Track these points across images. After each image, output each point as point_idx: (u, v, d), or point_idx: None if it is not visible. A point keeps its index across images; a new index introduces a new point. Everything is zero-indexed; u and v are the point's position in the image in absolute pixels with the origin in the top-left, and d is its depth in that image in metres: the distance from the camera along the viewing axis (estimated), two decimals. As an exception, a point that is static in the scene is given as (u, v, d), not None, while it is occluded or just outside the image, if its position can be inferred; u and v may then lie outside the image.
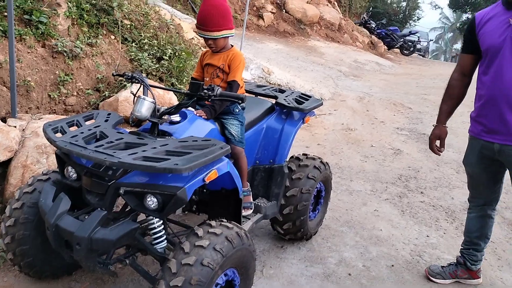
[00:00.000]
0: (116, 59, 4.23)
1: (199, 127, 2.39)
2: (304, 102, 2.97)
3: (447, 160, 5.03)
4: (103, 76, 3.96)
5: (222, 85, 2.53)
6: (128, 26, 4.55)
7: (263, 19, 12.26)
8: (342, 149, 5.03)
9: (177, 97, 4.16)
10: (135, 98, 2.35)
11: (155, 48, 4.50)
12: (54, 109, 3.66)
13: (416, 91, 8.97)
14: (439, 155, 2.77)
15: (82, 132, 2.12)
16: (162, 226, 2.18)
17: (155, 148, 1.95)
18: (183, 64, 4.54)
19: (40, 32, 3.62)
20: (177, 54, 4.57)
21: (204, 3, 2.41)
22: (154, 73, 4.34)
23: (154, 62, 4.39)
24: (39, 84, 3.56)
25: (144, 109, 2.17)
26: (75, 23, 3.99)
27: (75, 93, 3.79)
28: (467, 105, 7.99)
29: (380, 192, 4.04)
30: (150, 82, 2.88)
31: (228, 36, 2.50)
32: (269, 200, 2.82)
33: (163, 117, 2.25)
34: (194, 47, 5.37)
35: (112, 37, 4.37)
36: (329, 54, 11.21)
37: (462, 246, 2.83)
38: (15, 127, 3.05)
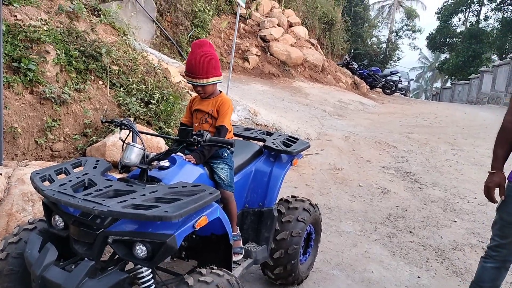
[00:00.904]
0: (104, 104, 4.26)
1: (188, 172, 2.39)
2: (292, 145, 3.01)
3: (434, 198, 5.07)
4: (90, 121, 3.98)
5: (211, 130, 2.56)
6: (116, 71, 4.61)
7: (248, 62, 12.53)
8: (330, 189, 5.05)
9: (165, 141, 4.17)
10: (124, 144, 2.36)
11: (143, 92, 4.55)
12: (41, 155, 3.63)
13: (399, 130, 9.14)
14: (497, 202, 2.58)
15: (70, 180, 2.10)
16: (151, 275, 2.13)
17: (144, 195, 1.94)
18: (171, 108, 4.59)
19: (28, 79, 3.65)
20: (164, 98, 4.62)
21: (192, 51, 2.47)
22: (142, 117, 4.37)
23: (142, 106, 4.43)
24: (26, 131, 3.55)
25: (134, 156, 2.17)
26: (64, 69, 4.04)
27: (62, 139, 3.79)
28: (450, 143, 8.12)
29: (369, 233, 4.03)
30: (139, 127, 2.89)
31: (216, 83, 2.56)
32: (259, 244, 2.79)
33: (152, 163, 2.25)
34: (181, 91, 5.44)
35: (100, 82, 4.42)
36: (313, 95, 11.43)
37: None
38: (1, 174, 3.01)
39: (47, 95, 3.66)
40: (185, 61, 10.48)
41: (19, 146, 3.47)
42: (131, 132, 2.39)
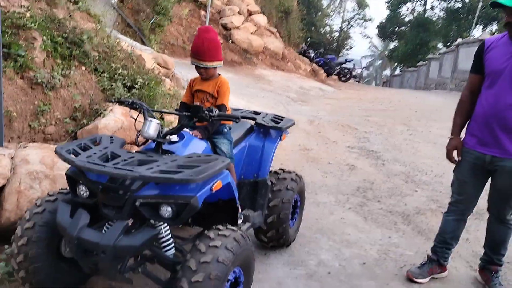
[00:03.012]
0: (89, 89, 4.39)
1: (195, 145, 2.67)
2: (280, 122, 3.34)
3: (396, 172, 5.60)
4: (80, 105, 4.12)
5: (212, 108, 2.84)
6: (97, 57, 4.74)
7: (211, 50, 12.68)
8: (303, 167, 5.44)
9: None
10: (136, 122, 2.62)
11: (126, 78, 4.71)
12: (34, 138, 3.75)
13: (359, 113, 9.71)
14: (456, 163, 3.00)
15: (95, 153, 2.32)
16: (170, 235, 2.41)
17: (166, 163, 2.21)
18: (153, 93, 4.78)
19: (19, 65, 3.74)
20: (146, 83, 4.80)
21: (199, 35, 2.74)
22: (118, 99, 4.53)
23: (125, 91, 4.60)
24: (20, 115, 3.66)
25: (152, 130, 2.41)
26: (50, 55, 4.14)
27: (54, 122, 3.91)
28: (405, 124, 8.77)
29: (343, 203, 4.47)
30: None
31: (217, 67, 2.84)
32: (255, 210, 3.11)
33: (166, 137, 2.51)
34: (159, 76, 5.61)
35: (83, 68, 4.53)
36: (276, 82, 11.82)
37: (435, 244, 3.17)
38: (4, 155, 3.14)
39: (39, 80, 3.77)
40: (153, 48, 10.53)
41: (14, 130, 3.58)
42: (142, 110, 2.63)
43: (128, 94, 4.60)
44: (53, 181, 3.18)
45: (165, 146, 2.52)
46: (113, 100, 2.76)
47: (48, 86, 3.89)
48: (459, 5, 30.66)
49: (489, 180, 2.92)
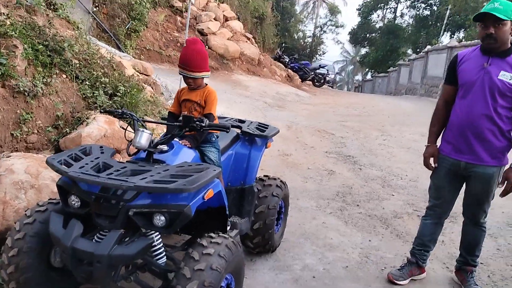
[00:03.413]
0: (70, 97, 4.37)
1: (185, 154, 2.72)
2: (265, 130, 3.43)
3: (373, 177, 5.77)
4: (62, 113, 4.10)
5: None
6: (77, 65, 4.72)
7: (187, 55, 12.69)
8: (284, 172, 5.55)
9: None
10: (126, 132, 2.66)
11: (107, 85, 4.71)
12: (16, 147, 3.72)
13: (335, 119, 9.91)
14: (432, 170, 3.15)
15: (87, 163, 2.35)
16: (162, 243, 2.46)
17: (159, 173, 2.25)
18: (135, 100, 4.79)
19: (0, 73, 3.70)
20: (128, 91, 4.81)
21: (187, 47, 2.80)
22: (108, 109, 4.53)
23: (107, 99, 4.59)
24: (2, 123, 3.62)
25: (144, 140, 2.45)
26: (31, 63, 4.10)
27: (36, 131, 3.88)
28: (379, 130, 9.02)
29: (324, 207, 4.59)
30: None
31: (205, 77, 2.91)
32: (242, 217, 3.18)
33: (157, 147, 2.55)
34: (140, 83, 5.61)
35: (64, 76, 4.51)
36: (253, 87, 11.92)
37: (414, 247, 3.30)
38: (-13, 165, 3.11)
39: (21, 89, 3.74)
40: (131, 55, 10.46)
41: (-4, 139, 3.54)
42: (132, 120, 2.67)
43: (110, 102, 4.60)
44: (39, 191, 3.16)
45: (155, 156, 2.56)
46: (102, 110, 2.78)
47: (30, 95, 3.86)
48: (427, 12, 31.62)
49: (464, 185, 3.08)
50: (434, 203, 3.20)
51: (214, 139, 2.96)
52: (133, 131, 2.66)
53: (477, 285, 3.15)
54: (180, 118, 3.14)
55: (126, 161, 2.54)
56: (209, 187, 2.38)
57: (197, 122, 2.51)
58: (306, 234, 3.91)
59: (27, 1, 4.66)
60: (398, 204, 4.87)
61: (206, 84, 3.01)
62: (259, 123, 3.65)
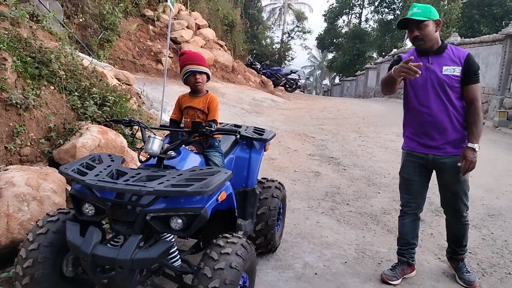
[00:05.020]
0: (60, 108, 4.35)
1: (192, 159, 2.79)
2: (262, 134, 3.53)
3: (357, 176, 5.96)
4: (54, 125, 4.08)
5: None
6: (64, 76, 4.70)
7: (161, 63, 12.69)
8: (272, 176, 5.62)
9: (126, 140, 4.39)
10: (134, 138, 2.71)
11: (95, 95, 4.71)
12: (10, 161, 3.68)
13: (312, 123, 10.12)
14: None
15: (101, 172, 2.39)
16: (176, 247, 2.51)
17: (174, 177, 2.32)
18: (124, 109, 4.81)
19: (-9, 86, 3.66)
20: (117, 101, 4.82)
21: (185, 51, 2.96)
22: (98, 119, 4.53)
23: (97, 109, 4.59)
24: (-4, 137, 3.58)
25: (156, 147, 2.51)
26: (20, 76, 4.07)
27: (29, 144, 3.85)
28: (356, 131, 9.29)
29: (315, 208, 4.72)
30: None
31: (209, 74, 3.01)
32: (245, 219, 3.26)
33: (167, 153, 2.61)
34: (124, 93, 5.62)
35: (52, 87, 4.48)
36: (229, 94, 12.02)
37: (400, 247, 3.36)
38: (-13, 179, 3.08)
39: (13, 101, 3.71)
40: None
41: (-10, 152, 3.50)
42: (140, 128, 2.73)
43: (100, 112, 4.60)
44: (41, 202, 3.15)
45: (165, 162, 2.62)
46: (109, 120, 2.82)
47: (23, 107, 3.83)
48: (391, 17, 32.61)
49: (437, 181, 3.21)
50: (407, 199, 3.28)
51: (217, 144, 3.04)
52: (139, 138, 2.71)
53: (469, 272, 3.32)
54: (182, 124, 3.22)
55: (137, 168, 2.59)
56: (222, 189, 2.46)
57: (206, 127, 2.58)
58: (302, 234, 4.03)
59: (10, 14, 4.62)
60: (385, 201, 5.06)
61: (207, 91, 3.09)
62: (255, 127, 3.76)
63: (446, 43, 3.05)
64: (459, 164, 2.98)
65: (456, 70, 2.96)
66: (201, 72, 2.95)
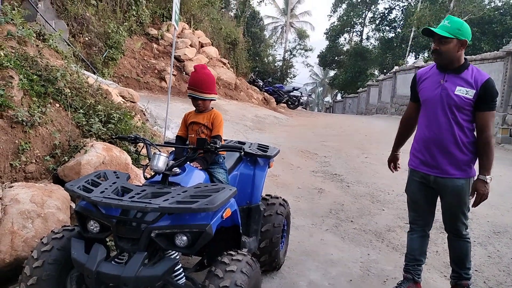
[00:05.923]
0: (65, 126, 4.38)
1: (197, 176, 2.79)
2: (267, 150, 3.54)
3: (361, 193, 5.94)
4: (59, 142, 4.10)
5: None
6: (69, 94, 4.74)
7: (165, 81, 12.79)
8: (275, 193, 5.60)
9: (131, 157, 4.41)
10: (139, 155, 2.72)
11: (100, 113, 4.74)
12: (15, 178, 3.69)
13: (315, 139, 10.13)
14: (393, 172, 3.50)
15: (106, 188, 2.39)
16: (180, 264, 2.50)
17: (179, 194, 2.32)
18: (129, 126, 4.83)
19: (-2, 104, 3.70)
20: (122, 118, 4.85)
21: (197, 71, 2.92)
22: (103, 137, 4.56)
23: (102, 126, 4.62)
24: (1, 154, 3.60)
25: (161, 164, 2.52)
26: (26, 93, 4.11)
27: (34, 161, 3.87)
28: (359, 148, 9.26)
29: (319, 225, 4.70)
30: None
31: (212, 100, 3.02)
32: (249, 236, 3.25)
33: (172, 169, 2.62)
34: (128, 110, 5.66)
35: (57, 105, 4.52)
36: (232, 111, 12.07)
37: (406, 263, 3.30)
38: (-8, 196, 3.09)
39: (19, 119, 3.74)
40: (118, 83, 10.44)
41: (-4, 170, 3.52)
42: (145, 144, 2.74)
43: (105, 129, 4.63)
44: (45, 219, 3.15)
45: (170, 178, 2.63)
46: (115, 137, 2.84)
47: (28, 124, 3.86)
48: (392, 35, 32.92)
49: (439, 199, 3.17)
50: (414, 216, 3.26)
51: (221, 160, 3.05)
52: (144, 155, 2.73)
53: (476, 295, 3.26)
54: (188, 141, 3.23)
55: (143, 185, 2.59)
56: (227, 206, 2.46)
57: (211, 144, 2.60)
58: (306, 251, 4.00)
59: (18, 33, 4.69)
60: (389, 218, 5.03)
61: (212, 108, 3.12)
62: (259, 144, 3.77)
63: (468, 64, 2.93)
64: (470, 197, 2.95)
65: (469, 93, 2.84)
66: (204, 99, 2.97)
